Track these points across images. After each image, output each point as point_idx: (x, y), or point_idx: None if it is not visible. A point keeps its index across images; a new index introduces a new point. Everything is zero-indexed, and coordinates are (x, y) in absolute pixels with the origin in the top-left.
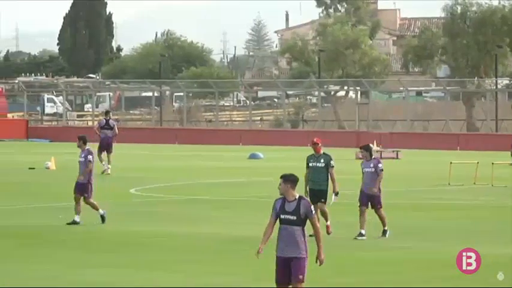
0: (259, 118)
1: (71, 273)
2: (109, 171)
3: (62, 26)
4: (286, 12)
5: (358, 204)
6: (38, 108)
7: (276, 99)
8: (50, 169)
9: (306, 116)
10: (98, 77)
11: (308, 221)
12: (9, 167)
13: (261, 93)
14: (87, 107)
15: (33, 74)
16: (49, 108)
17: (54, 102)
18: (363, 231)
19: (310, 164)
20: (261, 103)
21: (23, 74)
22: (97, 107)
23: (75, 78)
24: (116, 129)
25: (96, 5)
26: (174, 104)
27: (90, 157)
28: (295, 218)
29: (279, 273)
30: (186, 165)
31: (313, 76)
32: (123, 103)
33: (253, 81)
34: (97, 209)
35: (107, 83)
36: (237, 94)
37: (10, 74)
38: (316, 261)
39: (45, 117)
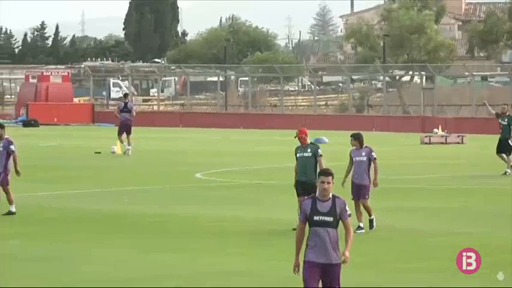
0: (324, 103)
1: (140, 257)
2: (129, 153)
3: (128, 11)
4: None
5: (352, 197)
6: (104, 93)
7: (340, 84)
8: (115, 153)
9: (370, 100)
10: (163, 62)
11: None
12: (76, 152)
13: (325, 78)
14: (153, 91)
15: (99, 59)
16: (115, 93)
17: (120, 87)
18: (361, 224)
19: (298, 155)
20: (326, 88)
21: (89, 59)
22: (162, 91)
23: (140, 63)
24: (134, 111)
25: None
26: (239, 88)
27: (12, 147)
28: (331, 219)
29: (310, 279)
30: (251, 149)
31: (378, 61)
32: (189, 88)
33: (318, 66)
34: (10, 203)
35: (172, 67)
36: (302, 79)
37: (76, 59)
38: (341, 257)
39: (110, 102)
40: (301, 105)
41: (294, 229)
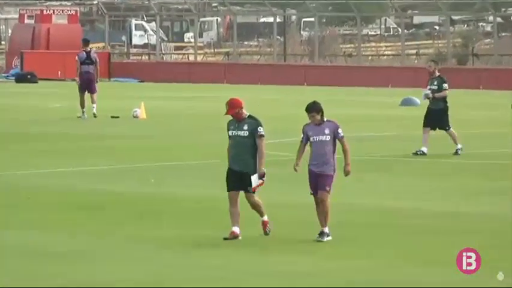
0: (414, 51)
1: (171, 255)
2: (95, 111)
3: None
4: None
5: (310, 192)
6: (124, 38)
7: (437, 27)
8: (138, 118)
9: (476, 49)
10: None
11: None
12: (87, 115)
13: (416, 19)
14: (188, 36)
15: None
16: (138, 38)
17: (145, 30)
18: (326, 230)
19: (230, 133)
20: (417, 32)
21: None
22: (201, 36)
23: None
24: (98, 64)
25: None
26: (302, 32)
27: None
28: None
29: None
30: None
31: None
32: (235, 31)
33: (406, 2)
34: None
35: (213, 4)
36: (386, 20)
37: None
38: None
39: (132, 50)
40: (384, 55)
41: (224, 238)
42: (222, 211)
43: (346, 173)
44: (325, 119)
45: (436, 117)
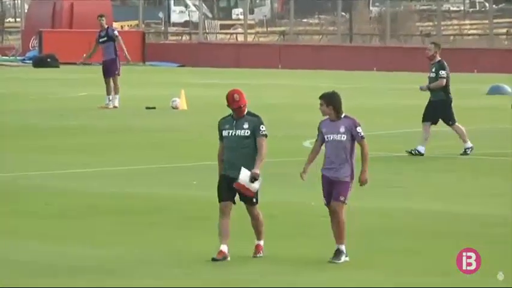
0: (504, 31)
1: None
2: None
3: None
4: None
5: (324, 202)
6: (161, 15)
7: None
8: (178, 109)
9: None
10: None
11: None
12: (120, 106)
13: None
14: (237, 12)
15: None
16: (177, 15)
17: (186, 6)
18: (343, 248)
19: (225, 133)
20: (508, 7)
21: None
22: (252, 13)
23: None
24: None
25: None
26: (371, 8)
27: None
28: None
29: None
30: (390, 103)
31: None
32: (292, 7)
33: None
34: None
35: None
36: None
37: None
38: None
39: (171, 29)
40: (468, 35)
41: (213, 259)
42: (277, 219)
43: (362, 182)
44: (342, 115)
45: (437, 109)
